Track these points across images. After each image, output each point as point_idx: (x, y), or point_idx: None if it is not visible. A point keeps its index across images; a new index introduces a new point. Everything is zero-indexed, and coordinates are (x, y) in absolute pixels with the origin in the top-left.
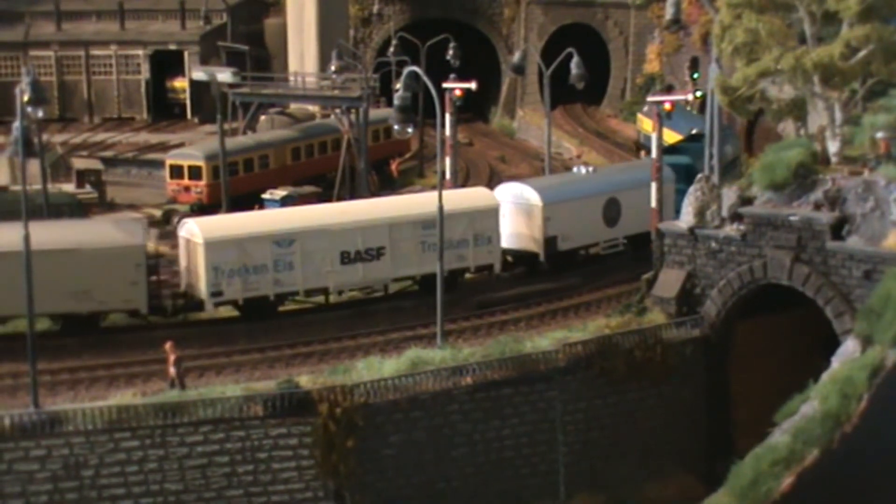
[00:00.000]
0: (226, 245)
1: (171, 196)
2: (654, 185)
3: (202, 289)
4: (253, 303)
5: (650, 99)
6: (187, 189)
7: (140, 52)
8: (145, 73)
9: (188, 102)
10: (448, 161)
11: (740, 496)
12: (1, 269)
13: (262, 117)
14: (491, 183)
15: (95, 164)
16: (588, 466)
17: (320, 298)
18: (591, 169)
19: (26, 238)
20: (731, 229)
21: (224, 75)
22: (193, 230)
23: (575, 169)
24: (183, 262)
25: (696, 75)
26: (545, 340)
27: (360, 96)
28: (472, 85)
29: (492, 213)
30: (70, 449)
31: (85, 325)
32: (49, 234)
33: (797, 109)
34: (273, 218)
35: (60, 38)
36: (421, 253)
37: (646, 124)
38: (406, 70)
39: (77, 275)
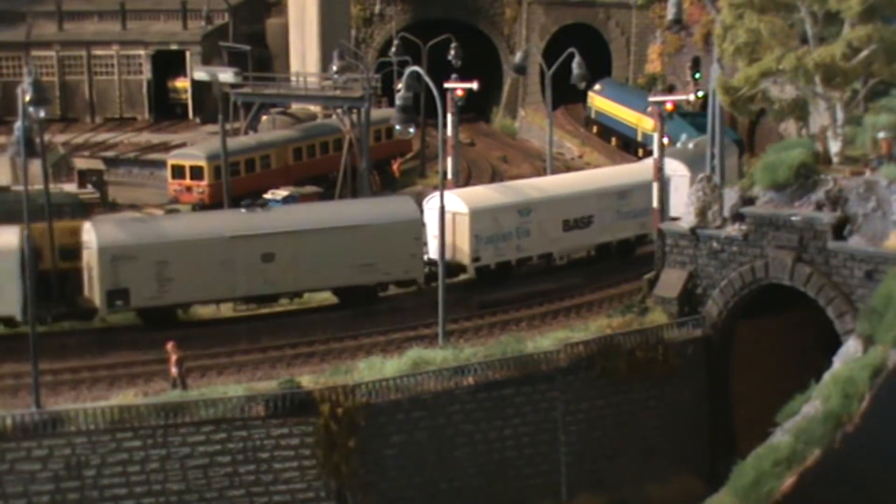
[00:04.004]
0: (485, 214)
1: (173, 196)
2: (655, 186)
3: (466, 255)
4: (501, 267)
5: (651, 99)
6: (189, 189)
7: (142, 52)
8: (147, 73)
9: (190, 102)
10: (450, 161)
11: (742, 496)
12: (288, 247)
13: (264, 117)
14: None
15: (97, 165)
16: (590, 467)
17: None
18: (692, 144)
19: (28, 239)
20: (733, 229)
21: (226, 75)
22: (454, 202)
23: (679, 144)
24: (433, 233)
25: (697, 75)
26: (547, 340)
27: (362, 96)
28: (474, 85)
29: (636, 190)
30: (72, 449)
31: (364, 297)
32: (335, 212)
33: (799, 109)
34: (514, 189)
35: (62, 38)
36: (617, 221)
37: (597, 101)
38: (408, 70)
39: (364, 249)
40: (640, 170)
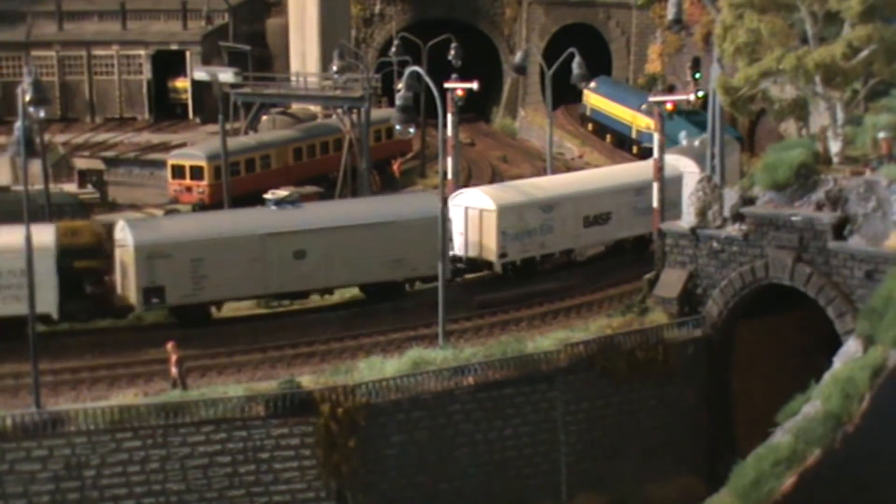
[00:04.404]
0: (511, 211)
1: (173, 196)
2: (655, 185)
3: (493, 251)
4: (526, 263)
5: (651, 99)
6: (189, 189)
7: (142, 52)
8: (147, 73)
9: (190, 102)
10: (450, 161)
11: (742, 496)
12: (320, 244)
13: (264, 117)
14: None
15: (97, 165)
16: (590, 467)
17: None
18: (696, 142)
19: (28, 238)
20: (733, 229)
21: (226, 75)
22: (481, 199)
23: (684, 141)
24: (458, 230)
25: (697, 75)
26: (547, 340)
27: (362, 96)
28: (474, 85)
29: (678, 181)
30: (72, 449)
31: (391, 293)
32: (365, 208)
33: (799, 109)
34: (537, 187)
35: (62, 38)
36: (633, 217)
37: (592, 99)
38: (408, 70)
39: (393, 245)
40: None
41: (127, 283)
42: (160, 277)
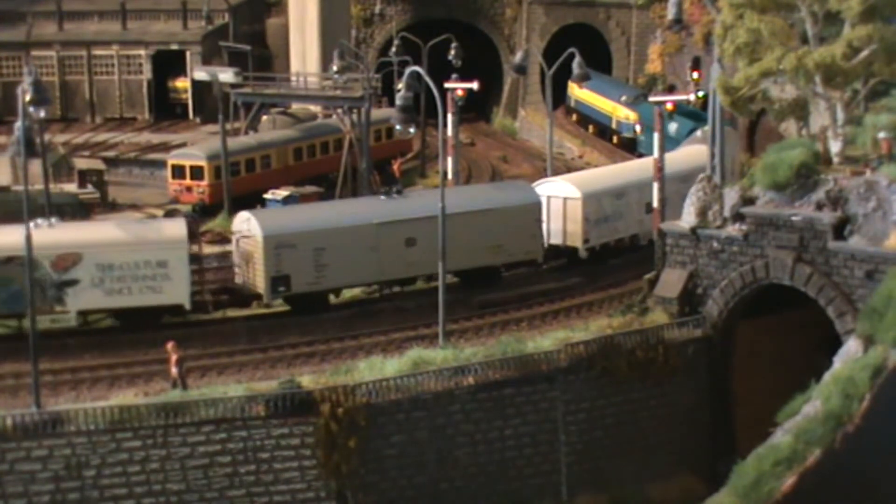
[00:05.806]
0: (594, 198)
1: (173, 196)
2: (655, 185)
3: (579, 238)
4: (603, 248)
5: (652, 99)
6: (189, 189)
7: (142, 52)
8: (147, 73)
9: (190, 102)
10: (450, 161)
11: (743, 496)
12: (428, 232)
13: (264, 117)
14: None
15: (97, 165)
16: (590, 467)
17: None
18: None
19: (28, 238)
20: (733, 229)
21: (226, 75)
22: (565, 188)
23: (697, 133)
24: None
25: (696, 75)
26: (547, 340)
27: (362, 96)
28: (474, 85)
29: (696, 173)
30: (72, 449)
31: (487, 278)
32: (468, 197)
33: (799, 109)
34: (610, 175)
35: (62, 38)
36: (681, 204)
37: (576, 91)
38: (408, 70)
39: (494, 231)
40: (695, 155)
41: (253, 272)
42: (286, 266)
